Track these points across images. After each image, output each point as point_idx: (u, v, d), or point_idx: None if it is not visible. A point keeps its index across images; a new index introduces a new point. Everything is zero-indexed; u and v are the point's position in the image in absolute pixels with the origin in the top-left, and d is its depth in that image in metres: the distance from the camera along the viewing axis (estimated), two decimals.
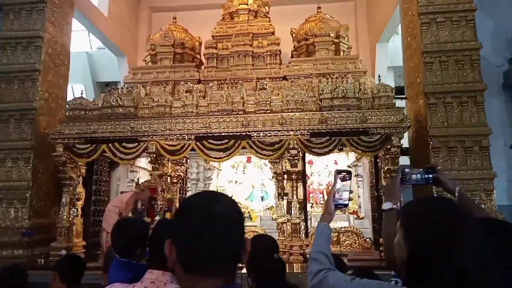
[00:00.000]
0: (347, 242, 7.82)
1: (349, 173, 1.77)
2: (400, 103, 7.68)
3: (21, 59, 7.75)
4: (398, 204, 1.77)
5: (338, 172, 1.77)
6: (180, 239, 1.00)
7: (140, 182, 7.93)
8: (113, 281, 2.16)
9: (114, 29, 11.53)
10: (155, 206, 6.93)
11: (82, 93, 8.12)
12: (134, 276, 2.06)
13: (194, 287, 0.97)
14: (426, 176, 1.72)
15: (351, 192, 1.75)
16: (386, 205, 1.74)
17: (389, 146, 6.71)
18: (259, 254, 2.15)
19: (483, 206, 6.38)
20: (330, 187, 1.82)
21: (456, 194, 1.69)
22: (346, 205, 1.74)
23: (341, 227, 7.99)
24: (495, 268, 1.06)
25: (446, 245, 1.07)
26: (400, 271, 1.21)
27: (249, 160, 10.70)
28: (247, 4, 10.03)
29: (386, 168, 6.83)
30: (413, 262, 1.14)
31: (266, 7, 10.39)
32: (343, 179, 1.74)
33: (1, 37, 7.88)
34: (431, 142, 6.72)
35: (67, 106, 7.89)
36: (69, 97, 8.59)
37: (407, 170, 1.74)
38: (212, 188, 10.63)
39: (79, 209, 7.50)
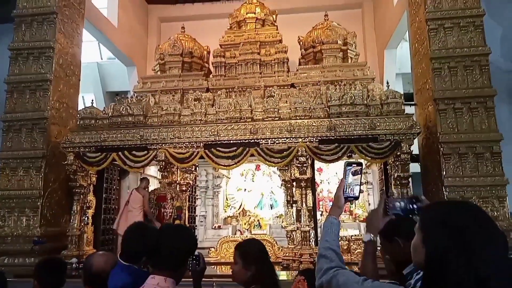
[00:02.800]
0: (358, 250, 7.73)
1: (359, 165, 1.70)
2: (409, 109, 7.64)
3: (33, 70, 7.88)
4: (378, 236, 1.74)
5: (348, 164, 1.69)
6: None
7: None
8: (113, 286, 2.15)
9: (124, 40, 11.69)
10: (164, 214, 6.95)
11: (92, 103, 8.21)
12: (134, 281, 2.05)
13: None
14: (411, 206, 1.58)
15: (362, 184, 1.70)
16: (366, 237, 1.71)
17: (398, 153, 6.67)
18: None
19: (495, 213, 6.30)
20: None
21: None
22: (357, 198, 1.67)
23: (352, 235, 7.91)
24: None
25: (465, 253, 1.03)
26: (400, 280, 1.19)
27: (258, 168, 10.70)
28: (255, 13, 10.11)
29: (396, 175, 6.79)
30: (431, 267, 1.11)
31: (274, 16, 10.46)
32: (353, 173, 1.67)
33: (13, 48, 8.03)
34: (442, 149, 6.66)
35: (78, 115, 8.00)
36: (80, 106, 8.70)
37: (390, 199, 1.67)
38: (221, 196, 10.64)
39: (90, 217, 7.57)
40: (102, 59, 13.98)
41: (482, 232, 1.06)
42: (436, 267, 1.09)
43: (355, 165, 1.69)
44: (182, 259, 1.96)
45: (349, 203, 1.72)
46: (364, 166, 1.76)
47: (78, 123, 7.90)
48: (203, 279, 2.20)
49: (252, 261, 2.07)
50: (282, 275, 6.17)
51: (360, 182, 1.69)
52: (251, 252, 2.13)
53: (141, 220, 6.53)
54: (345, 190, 1.65)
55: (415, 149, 7.32)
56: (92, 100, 8.40)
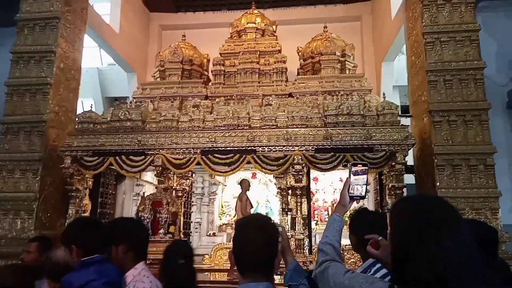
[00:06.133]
0: (352, 260, 7.73)
1: (364, 165, 1.74)
2: (405, 121, 7.73)
3: (34, 73, 7.94)
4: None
5: (354, 164, 1.75)
6: None
7: (145, 195, 7.99)
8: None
9: (125, 46, 11.80)
10: (160, 219, 6.96)
11: (92, 107, 8.28)
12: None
13: None
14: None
15: (368, 184, 1.74)
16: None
17: (393, 163, 6.74)
18: (169, 259, 2.50)
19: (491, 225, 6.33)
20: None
21: None
22: (363, 197, 1.70)
23: (346, 245, 7.92)
24: (479, 276, 1.00)
25: (426, 249, 1.03)
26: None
27: (254, 176, 10.72)
28: (255, 23, 10.26)
29: (390, 185, 6.84)
30: (397, 261, 1.13)
31: (274, 26, 10.61)
32: (359, 173, 1.70)
33: (15, 51, 8.10)
34: (436, 160, 6.73)
35: (77, 119, 8.05)
36: (79, 111, 8.76)
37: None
38: (217, 203, 10.64)
39: None
40: (102, 64, 14.09)
41: (445, 229, 1.04)
42: (400, 264, 1.10)
43: (361, 165, 1.74)
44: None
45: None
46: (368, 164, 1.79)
47: (76, 127, 7.94)
48: (198, 285, 2.35)
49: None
50: (277, 279, 6.17)
51: (367, 182, 1.71)
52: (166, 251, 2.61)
53: None
54: (350, 189, 1.69)
55: (410, 160, 7.39)
56: (91, 105, 8.47)
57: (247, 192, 7.58)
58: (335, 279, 1.40)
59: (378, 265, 2.02)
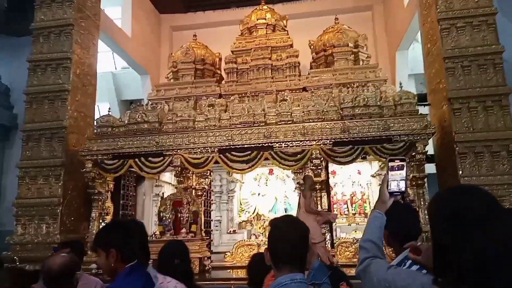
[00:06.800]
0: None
1: (402, 160, 1.72)
2: (423, 110, 7.60)
3: (51, 80, 8.09)
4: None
5: (391, 160, 1.73)
6: None
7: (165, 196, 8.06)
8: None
9: (137, 49, 11.91)
10: (181, 218, 7.02)
11: (109, 111, 8.38)
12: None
13: None
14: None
15: (408, 179, 1.71)
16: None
17: (414, 154, 6.64)
18: (165, 259, 2.55)
19: None
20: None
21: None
22: (403, 193, 1.69)
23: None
24: None
25: (462, 237, 1.03)
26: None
27: (271, 172, 10.74)
28: (265, 19, 10.22)
29: (411, 175, 6.75)
30: (435, 252, 1.14)
31: (284, 21, 10.56)
32: (396, 168, 1.69)
33: (32, 60, 8.26)
34: (457, 148, 6.62)
35: (95, 123, 8.17)
36: (96, 115, 8.89)
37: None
38: (235, 201, 10.69)
39: None
40: (116, 68, 14.25)
41: (479, 218, 1.04)
42: (438, 257, 1.12)
43: (398, 160, 1.72)
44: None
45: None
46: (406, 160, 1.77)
47: (95, 131, 8.06)
48: (221, 282, 2.40)
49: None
50: None
51: (406, 177, 1.69)
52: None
53: (313, 221, 5.94)
54: (388, 185, 1.68)
55: (430, 149, 7.27)
56: (109, 109, 8.57)
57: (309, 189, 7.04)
58: (378, 275, 1.40)
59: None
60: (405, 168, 1.70)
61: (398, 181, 1.67)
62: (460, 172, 6.52)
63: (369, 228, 1.63)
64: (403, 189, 1.68)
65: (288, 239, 1.59)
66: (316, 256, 1.97)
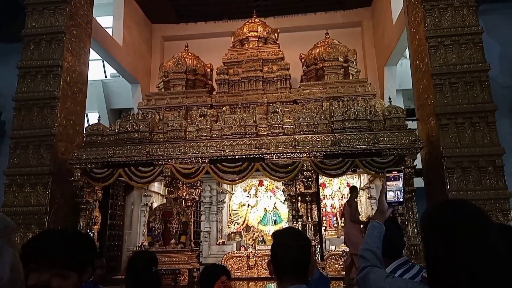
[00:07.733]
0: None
1: (399, 171, 1.76)
2: (411, 125, 7.77)
3: (41, 87, 7.99)
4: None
5: (388, 171, 1.77)
6: None
7: (154, 207, 8.00)
8: None
9: (128, 58, 11.89)
10: (171, 229, 6.97)
11: (99, 119, 8.32)
12: None
13: None
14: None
15: (404, 190, 1.76)
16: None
17: (403, 167, 6.75)
18: (138, 268, 2.49)
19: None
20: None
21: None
22: (401, 203, 1.73)
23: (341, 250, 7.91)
24: (507, 274, 1.07)
25: (453, 252, 1.11)
26: None
27: (261, 183, 10.75)
28: (257, 32, 10.35)
29: None
30: (428, 267, 1.21)
31: (275, 34, 10.71)
32: (393, 178, 1.73)
33: (22, 66, 8.16)
34: (445, 163, 6.74)
35: (85, 132, 8.09)
36: (85, 124, 8.80)
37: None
38: (225, 211, 10.65)
39: (96, 233, 7.57)
40: (106, 77, 14.17)
41: (468, 229, 1.12)
42: (432, 268, 1.19)
43: (395, 171, 1.76)
44: None
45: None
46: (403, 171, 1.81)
47: (84, 139, 7.98)
48: None
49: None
50: None
51: (403, 187, 1.74)
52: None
53: (358, 232, 6.16)
54: (386, 196, 1.72)
55: (418, 164, 7.40)
56: (99, 117, 8.50)
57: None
58: (376, 284, 1.45)
59: (406, 267, 2.06)
60: (401, 179, 1.74)
61: (394, 191, 1.72)
62: (448, 186, 6.64)
63: (368, 238, 1.67)
64: (401, 199, 1.72)
65: (291, 251, 1.60)
66: (315, 266, 1.98)
